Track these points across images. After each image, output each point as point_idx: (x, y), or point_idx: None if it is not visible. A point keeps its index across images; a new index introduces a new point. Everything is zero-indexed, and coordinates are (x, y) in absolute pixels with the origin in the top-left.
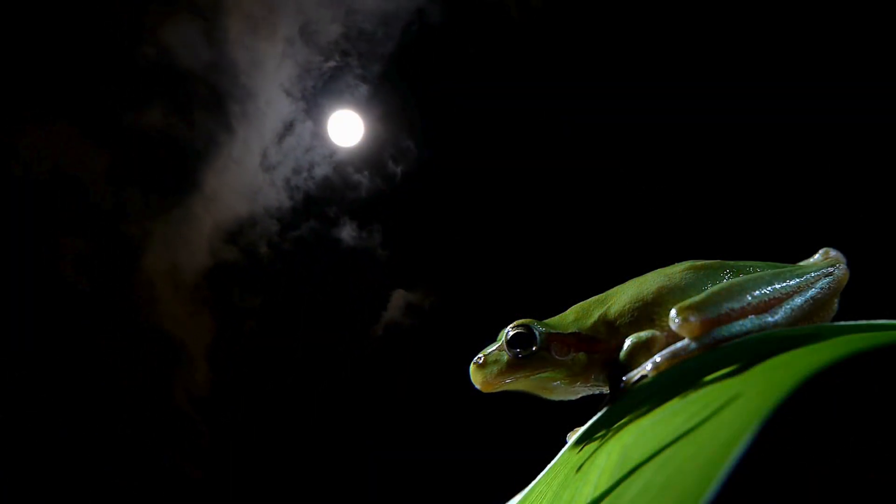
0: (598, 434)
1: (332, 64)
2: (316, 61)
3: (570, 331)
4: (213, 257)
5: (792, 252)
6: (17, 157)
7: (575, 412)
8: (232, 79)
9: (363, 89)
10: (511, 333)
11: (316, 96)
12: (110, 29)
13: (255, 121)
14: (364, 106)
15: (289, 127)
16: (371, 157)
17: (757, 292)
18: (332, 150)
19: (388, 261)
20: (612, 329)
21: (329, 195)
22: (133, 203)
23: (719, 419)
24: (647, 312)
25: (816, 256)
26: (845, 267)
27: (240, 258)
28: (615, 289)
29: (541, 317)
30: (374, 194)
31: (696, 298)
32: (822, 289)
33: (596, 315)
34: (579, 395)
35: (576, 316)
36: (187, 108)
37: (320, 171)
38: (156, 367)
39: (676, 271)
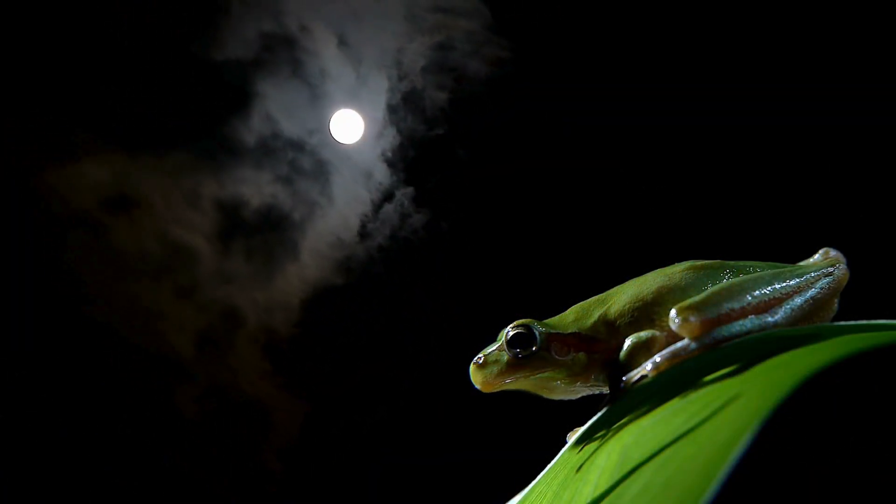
0: (598, 434)
1: (437, 132)
2: (420, 129)
3: (570, 331)
4: (308, 325)
5: (792, 252)
6: (127, 223)
7: (575, 412)
8: (333, 147)
9: (464, 156)
10: (511, 333)
11: (417, 165)
12: (216, 95)
13: (353, 189)
14: (464, 174)
15: (388, 196)
16: (473, 224)
17: (757, 292)
18: (430, 218)
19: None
20: (612, 329)
21: (425, 264)
22: (237, 271)
23: (719, 419)
24: (647, 312)
25: (816, 256)
26: (845, 267)
27: (334, 326)
28: (615, 289)
29: (541, 317)
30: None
31: (696, 298)
32: (822, 289)
33: (596, 315)
34: (579, 395)
35: (576, 316)
36: (290, 176)
37: (417, 239)
38: (245, 431)
39: (676, 271)
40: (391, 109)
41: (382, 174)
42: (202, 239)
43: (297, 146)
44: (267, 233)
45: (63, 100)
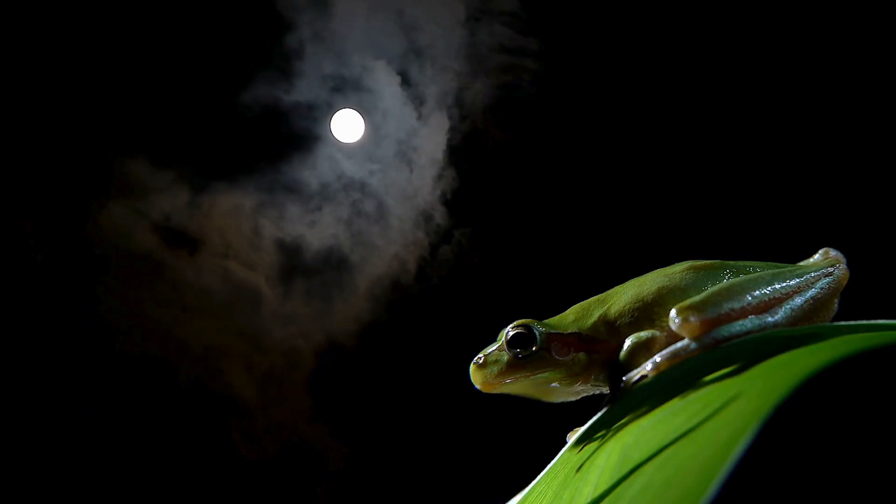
0: (598, 434)
1: (495, 174)
2: (480, 173)
3: (570, 331)
4: (364, 367)
5: (792, 252)
6: (188, 261)
7: (575, 412)
8: (394, 189)
9: (522, 197)
10: (511, 333)
11: (473, 207)
12: (280, 135)
13: (412, 231)
14: (518, 212)
15: (446, 237)
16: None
17: (757, 292)
18: (482, 262)
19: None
20: (613, 329)
21: (482, 306)
22: (295, 312)
23: (719, 419)
24: (647, 312)
25: (816, 256)
26: (845, 267)
27: (389, 368)
28: (615, 289)
29: (541, 317)
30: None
31: (696, 298)
32: (822, 289)
33: (596, 315)
34: (579, 396)
35: (576, 316)
36: (350, 218)
37: (473, 281)
38: (299, 471)
39: (676, 271)
40: (452, 150)
41: (441, 216)
42: (262, 279)
43: (358, 188)
44: (326, 274)
45: (128, 136)
